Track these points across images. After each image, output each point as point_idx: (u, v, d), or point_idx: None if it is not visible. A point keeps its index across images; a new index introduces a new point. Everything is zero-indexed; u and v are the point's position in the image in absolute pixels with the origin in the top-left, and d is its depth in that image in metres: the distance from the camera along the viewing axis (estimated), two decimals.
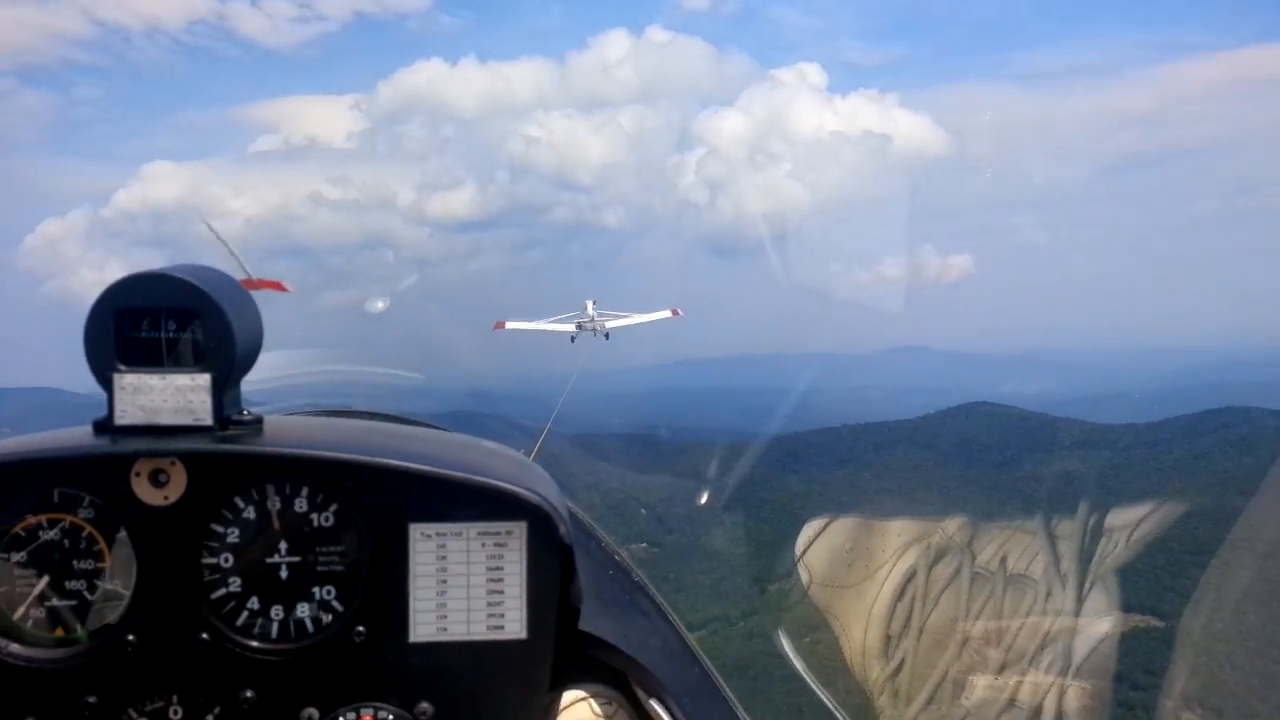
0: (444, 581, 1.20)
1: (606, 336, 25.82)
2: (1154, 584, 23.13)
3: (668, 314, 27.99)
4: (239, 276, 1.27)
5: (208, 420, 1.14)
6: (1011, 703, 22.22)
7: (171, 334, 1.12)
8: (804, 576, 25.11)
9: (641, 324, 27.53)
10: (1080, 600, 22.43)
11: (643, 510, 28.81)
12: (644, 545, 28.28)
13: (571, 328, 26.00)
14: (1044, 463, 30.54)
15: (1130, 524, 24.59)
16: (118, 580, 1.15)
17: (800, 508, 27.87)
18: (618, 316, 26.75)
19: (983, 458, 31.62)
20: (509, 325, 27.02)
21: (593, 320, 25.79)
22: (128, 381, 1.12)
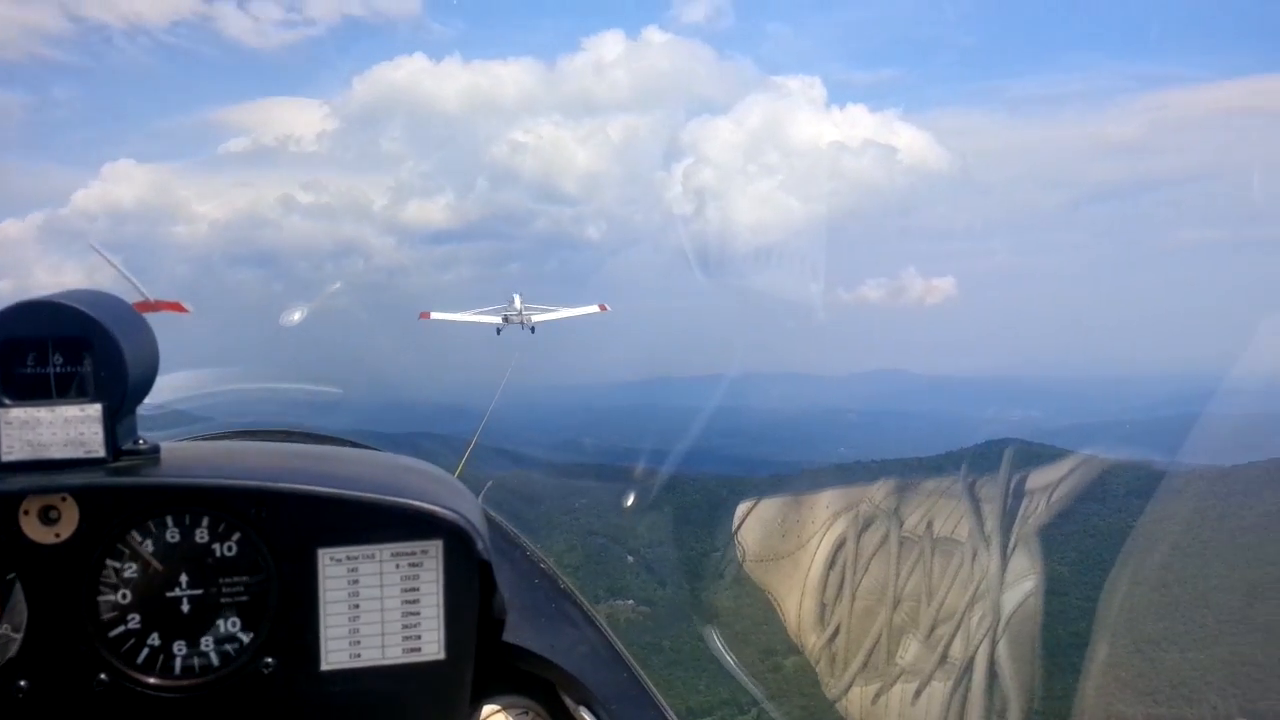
0: (356, 606, 1.16)
1: (532, 330, 25.38)
2: (1074, 543, 24.17)
3: (595, 309, 27.61)
4: (134, 300, 1.19)
5: (100, 452, 1.09)
6: (944, 658, 22.97)
7: (60, 365, 1.07)
8: (739, 554, 25.08)
9: (568, 318, 27.11)
10: (1005, 560, 23.40)
11: (629, 557, 24.03)
12: (630, 603, 22.67)
13: (498, 320, 25.44)
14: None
15: (1050, 485, 25.63)
16: (8, 623, 1.09)
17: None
18: (545, 310, 26.28)
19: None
20: (434, 315, 26.39)
21: (519, 313, 25.31)
22: (14, 416, 1.07)
